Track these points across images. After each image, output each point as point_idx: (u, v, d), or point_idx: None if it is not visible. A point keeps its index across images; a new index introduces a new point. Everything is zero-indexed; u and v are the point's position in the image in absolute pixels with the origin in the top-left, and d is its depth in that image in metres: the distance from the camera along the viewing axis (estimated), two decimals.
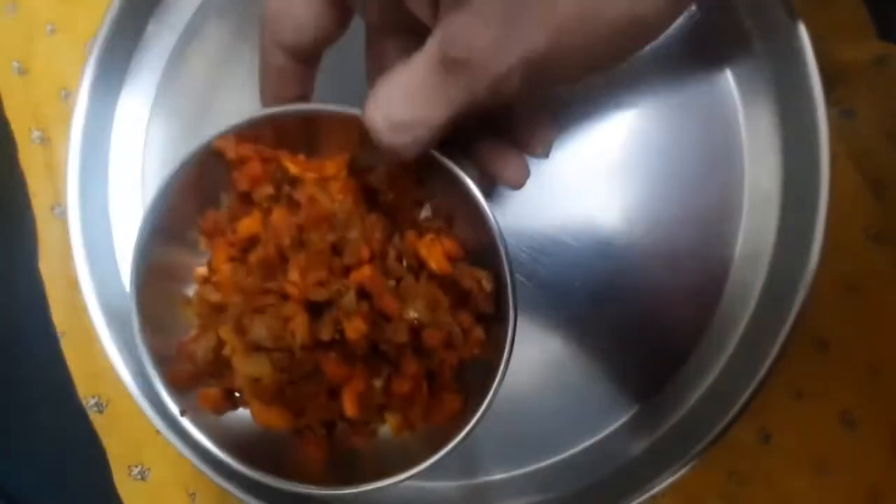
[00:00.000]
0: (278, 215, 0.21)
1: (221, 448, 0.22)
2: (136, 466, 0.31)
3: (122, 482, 0.31)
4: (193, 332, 0.23)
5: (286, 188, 0.22)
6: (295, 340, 0.20)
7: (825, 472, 0.29)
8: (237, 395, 0.23)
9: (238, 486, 0.25)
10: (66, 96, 0.32)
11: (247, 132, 0.21)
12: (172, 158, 0.29)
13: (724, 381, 0.28)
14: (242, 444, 0.22)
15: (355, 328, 0.20)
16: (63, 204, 0.31)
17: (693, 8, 0.28)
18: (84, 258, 0.28)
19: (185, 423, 0.22)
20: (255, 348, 0.21)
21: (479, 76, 0.17)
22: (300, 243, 0.21)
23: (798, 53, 0.26)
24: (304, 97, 0.22)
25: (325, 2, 0.19)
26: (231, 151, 0.21)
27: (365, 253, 0.21)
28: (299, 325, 0.20)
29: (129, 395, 0.27)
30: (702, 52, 0.28)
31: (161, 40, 0.30)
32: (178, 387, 0.22)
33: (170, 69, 0.30)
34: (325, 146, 0.22)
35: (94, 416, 0.31)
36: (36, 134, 0.32)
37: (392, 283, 0.21)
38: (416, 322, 0.21)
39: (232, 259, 0.22)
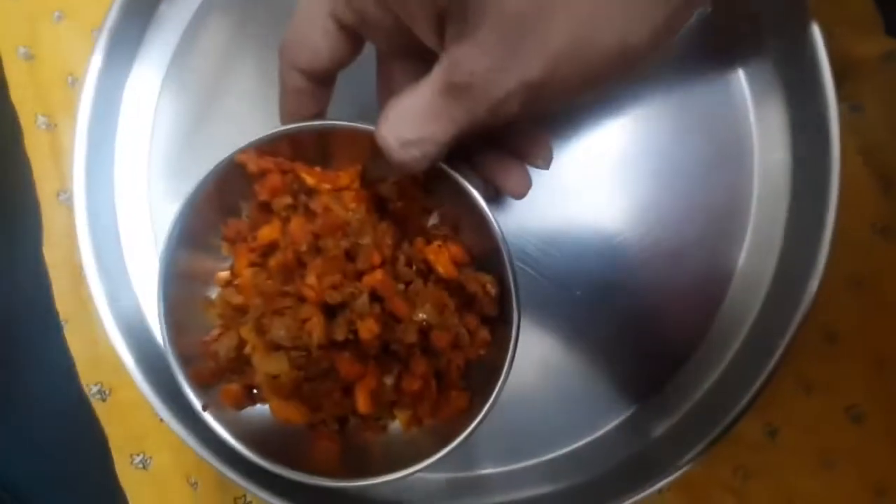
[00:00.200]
0: (296, 223, 0.23)
1: (240, 442, 0.23)
2: (138, 455, 0.31)
3: (124, 471, 0.31)
4: (216, 332, 0.24)
5: (303, 198, 0.24)
6: (311, 340, 0.21)
7: (831, 466, 0.29)
8: (256, 392, 0.24)
9: (240, 474, 0.25)
10: (73, 82, 0.32)
11: (266, 147, 0.23)
12: (180, 146, 0.30)
13: (730, 375, 0.28)
14: (259, 439, 0.23)
15: (368, 329, 0.21)
16: (69, 190, 0.31)
17: (707, 9, 0.28)
18: (89, 245, 0.28)
19: (208, 417, 0.23)
20: (275, 347, 0.22)
21: (480, 100, 0.18)
22: (316, 249, 0.22)
23: (810, 49, 0.26)
24: (320, 114, 0.23)
25: (339, 31, 0.20)
26: (252, 165, 0.23)
27: (376, 258, 0.22)
28: (316, 326, 0.21)
29: (131, 384, 0.27)
30: (712, 48, 0.28)
31: (169, 27, 0.30)
32: (201, 383, 0.23)
33: (177, 57, 0.30)
34: (338, 159, 0.24)
35: (96, 403, 0.31)
36: (42, 120, 0.32)
37: (402, 286, 0.23)
38: (424, 323, 0.22)
39: (253, 264, 0.24)
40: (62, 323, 0.31)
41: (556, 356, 0.28)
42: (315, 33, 0.20)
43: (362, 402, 0.23)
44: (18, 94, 0.31)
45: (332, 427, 0.24)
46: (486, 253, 0.23)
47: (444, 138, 0.19)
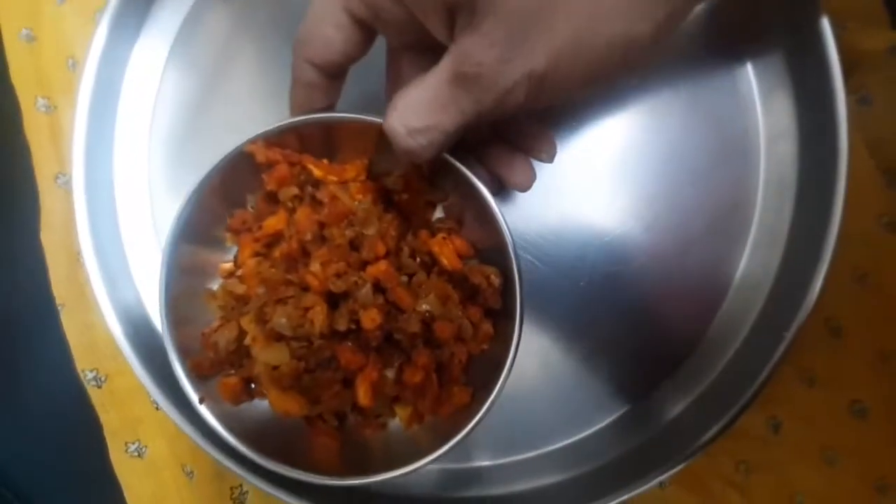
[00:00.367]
0: (302, 213, 0.23)
1: (237, 438, 0.23)
2: (133, 443, 0.30)
3: (119, 459, 0.30)
4: (216, 323, 0.24)
5: (309, 189, 0.24)
6: (314, 329, 0.21)
7: (834, 461, 0.28)
8: (254, 386, 0.24)
9: (236, 464, 0.25)
10: (74, 65, 0.31)
11: (275, 138, 0.23)
12: (181, 130, 0.30)
13: (734, 369, 0.27)
14: (256, 435, 0.23)
15: (371, 318, 0.22)
16: (67, 174, 0.31)
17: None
18: (87, 229, 0.27)
19: (204, 412, 0.23)
20: (276, 337, 0.22)
21: (487, 89, 0.18)
22: (321, 239, 0.23)
23: (818, 42, 0.25)
24: (330, 108, 0.23)
25: (352, 24, 0.21)
26: (261, 155, 0.23)
27: (381, 249, 0.22)
28: (318, 314, 0.22)
29: (128, 370, 0.26)
30: (719, 41, 0.28)
31: (171, 10, 0.30)
32: (199, 375, 0.23)
33: (179, 40, 0.30)
34: (344, 152, 0.24)
35: (92, 390, 0.30)
36: (41, 102, 0.31)
37: (405, 278, 0.23)
38: (427, 314, 0.22)
39: (257, 254, 0.24)
40: (59, 308, 0.31)
41: (557, 347, 0.28)
42: (328, 27, 0.21)
43: (363, 395, 0.22)
44: (19, 76, 0.31)
45: (332, 423, 0.24)
46: (491, 246, 0.23)
47: (450, 127, 0.19)
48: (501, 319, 0.23)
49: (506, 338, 0.22)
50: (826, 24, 0.25)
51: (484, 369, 0.23)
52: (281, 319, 0.22)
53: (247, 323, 0.23)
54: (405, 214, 0.24)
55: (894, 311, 0.28)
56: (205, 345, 0.23)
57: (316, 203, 0.23)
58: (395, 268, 0.23)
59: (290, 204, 0.24)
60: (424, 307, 0.22)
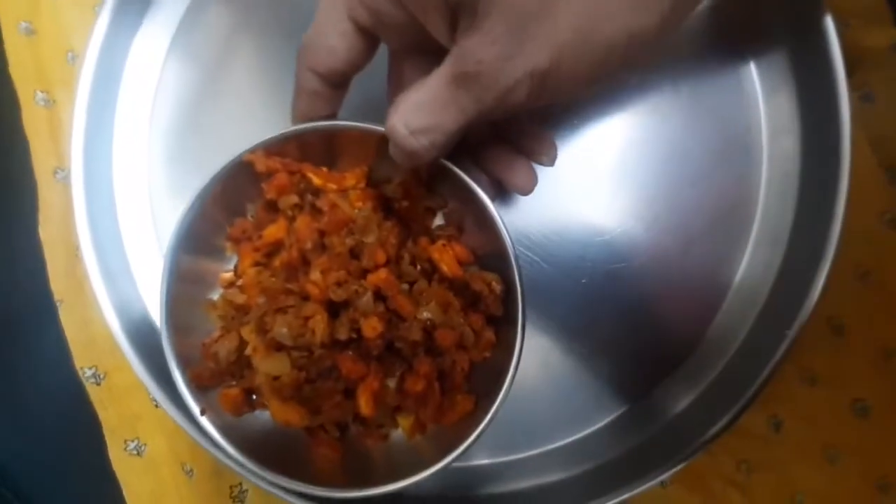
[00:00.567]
0: (302, 221, 0.23)
1: (238, 449, 0.23)
2: (132, 441, 0.30)
3: (117, 457, 0.30)
4: (216, 334, 0.24)
5: (309, 198, 0.24)
6: (314, 338, 0.21)
7: (835, 460, 0.28)
8: (255, 397, 0.24)
9: (236, 462, 0.25)
10: (73, 58, 0.31)
11: (274, 147, 0.23)
12: (180, 125, 0.29)
13: (735, 367, 0.27)
14: (257, 446, 0.23)
15: (372, 327, 0.21)
16: (66, 168, 0.30)
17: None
18: (86, 224, 0.27)
19: (205, 423, 0.23)
20: (276, 347, 0.22)
21: (488, 88, 0.18)
22: (321, 247, 0.22)
23: (822, 39, 0.25)
24: (331, 117, 0.23)
25: (356, 32, 0.21)
26: (261, 164, 0.23)
27: (381, 257, 0.22)
28: (319, 323, 0.21)
29: (126, 367, 0.26)
30: (722, 38, 0.28)
31: (172, 5, 0.30)
32: (200, 386, 0.23)
33: (179, 34, 0.30)
34: (344, 160, 0.24)
35: (90, 387, 0.30)
36: (40, 96, 0.31)
37: (406, 286, 0.23)
38: (429, 322, 0.22)
39: (257, 263, 0.24)
40: (57, 303, 0.30)
41: (558, 346, 0.28)
42: (332, 35, 0.21)
43: (364, 404, 0.22)
44: (18, 70, 0.31)
45: (333, 434, 0.24)
46: (492, 252, 0.23)
47: (452, 127, 0.19)
48: (503, 326, 0.23)
49: (508, 344, 0.22)
50: (829, 22, 0.25)
51: (486, 376, 0.23)
52: (281, 329, 0.22)
53: (247, 333, 0.23)
54: (405, 221, 0.24)
55: None
56: (205, 355, 0.23)
57: (316, 211, 0.23)
58: (395, 275, 0.22)
59: (289, 212, 0.24)
60: (425, 315, 0.22)
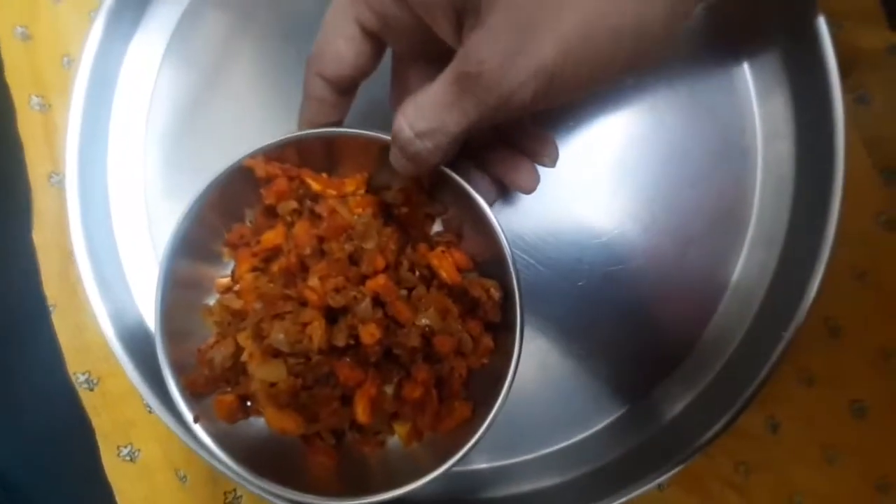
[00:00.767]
0: (301, 227, 0.23)
1: (232, 457, 0.22)
2: (126, 447, 0.30)
3: (111, 463, 0.30)
4: (212, 339, 0.24)
5: (308, 203, 0.24)
6: (312, 344, 0.21)
7: (834, 461, 0.28)
8: (250, 404, 0.23)
9: (230, 469, 0.25)
10: (69, 63, 0.31)
11: (274, 153, 0.23)
12: (176, 130, 0.29)
13: (732, 368, 0.27)
14: (252, 454, 0.23)
15: (370, 333, 0.21)
16: (61, 172, 0.30)
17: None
18: (80, 229, 0.27)
19: (199, 431, 0.22)
20: (273, 353, 0.22)
21: (491, 89, 0.18)
22: (320, 253, 0.22)
23: (815, 40, 0.26)
24: (338, 124, 0.23)
25: (363, 36, 0.21)
26: (260, 170, 0.23)
27: (380, 263, 0.22)
28: (316, 330, 0.21)
29: (120, 372, 0.26)
30: (716, 40, 0.28)
31: (167, 9, 0.30)
32: (194, 393, 0.23)
33: (175, 39, 0.30)
34: (344, 166, 0.24)
35: (84, 393, 0.30)
36: (35, 100, 0.31)
37: (404, 292, 0.23)
38: (427, 329, 0.22)
39: (255, 269, 0.24)
40: (50, 308, 0.30)
41: (556, 348, 0.28)
42: (340, 41, 0.21)
43: (361, 411, 0.22)
44: (13, 74, 0.31)
45: (329, 441, 0.24)
46: (490, 259, 0.23)
47: (454, 129, 0.19)
48: (501, 332, 0.23)
49: (506, 351, 0.22)
50: (822, 24, 0.25)
51: (484, 383, 0.23)
52: (279, 335, 0.21)
53: (243, 339, 0.23)
54: (404, 228, 0.24)
55: (893, 310, 0.28)
56: (200, 361, 0.23)
57: (315, 217, 0.23)
58: (394, 281, 0.22)
59: (288, 218, 0.24)
60: (424, 321, 0.22)
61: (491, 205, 0.23)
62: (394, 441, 0.24)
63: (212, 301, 0.24)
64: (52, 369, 0.30)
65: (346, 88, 0.22)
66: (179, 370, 0.23)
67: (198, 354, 0.23)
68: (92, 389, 0.30)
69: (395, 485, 0.22)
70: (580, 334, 0.28)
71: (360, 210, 0.23)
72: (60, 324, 0.30)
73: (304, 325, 0.22)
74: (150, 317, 0.28)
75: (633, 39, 0.17)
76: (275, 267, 0.23)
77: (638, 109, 0.28)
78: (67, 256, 0.29)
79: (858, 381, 0.28)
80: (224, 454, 0.22)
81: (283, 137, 0.22)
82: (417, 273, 0.23)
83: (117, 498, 0.29)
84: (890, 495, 0.28)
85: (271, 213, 0.24)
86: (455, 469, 0.27)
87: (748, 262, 0.28)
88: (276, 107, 0.29)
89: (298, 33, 0.29)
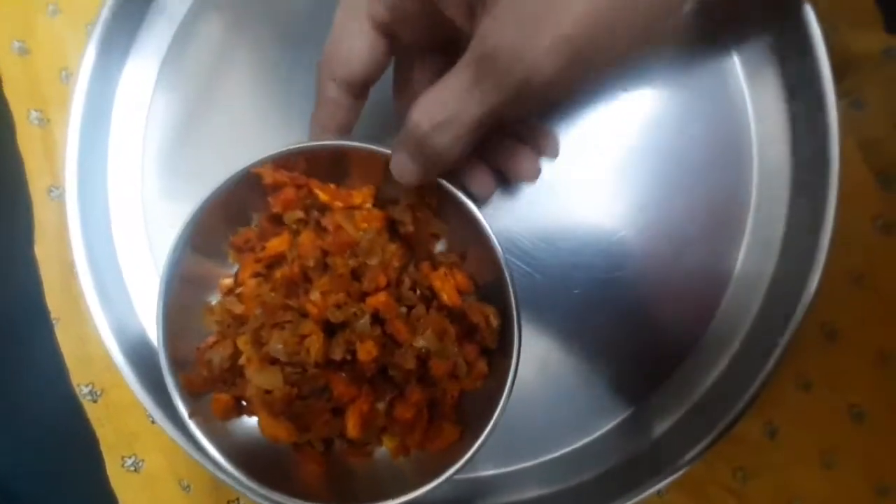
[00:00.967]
0: (306, 237, 0.23)
1: (225, 456, 0.23)
2: (130, 457, 0.30)
3: (115, 473, 0.30)
4: (212, 339, 0.24)
5: (315, 214, 0.24)
6: (309, 357, 0.21)
7: (832, 465, 0.28)
8: (245, 404, 0.24)
9: (233, 477, 0.25)
10: (67, 77, 0.31)
11: (283, 161, 0.23)
12: (174, 142, 0.30)
13: (730, 374, 0.27)
14: (244, 455, 0.23)
15: (367, 351, 0.21)
16: (61, 186, 0.31)
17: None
18: (81, 242, 0.27)
19: (193, 428, 0.23)
20: (270, 361, 0.22)
21: (510, 69, 0.17)
22: (323, 266, 0.22)
23: (809, 44, 0.26)
24: (350, 127, 0.23)
25: (375, 32, 0.21)
26: (269, 177, 0.23)
27: (382, 280, 0.22)
28: (315, 343, 0.21)
29: (123, 384, 0.26)
30: (710, 44, 0.28)
31: (164, 22, 0.30)
32: (191, 391, 0.23)
33: (172, 52, 0.30)
34: (353, 178, 0.24)
35: (87, 405, 0.30)
36: (35, 115, 0.31)
37: (404, 309, 0.23)
38: (423, 351, 0.22)
39: (257, 275, 0.24)
40: (53, 321, 0.30)
41: (554, 356, 0.28)
42: (352, 38, 0.21)
43: (352, 426, 0.22)
44: (11, 89, 0.31)
45: (318, 448, 0.24)
46: (490, 283, 0.23)
47: (475, 115, 0.18)
48: (497, 356, 0.23)
49: (500, 375, 0.22)
50: (816, 26, 0.25)
51: (477, 404, 0.23)
52: (277, 345, 0.22)
53: (242, 343, 0.23)
54: (409, 245, 0.24)
55: (890, 313, 0.28)
56: (199, 360, 0.23)
57: (320, 229, 0.23)
58: (395, 299, 0.22)
59: (294, 227, 0.24)
60: (421, 343, 0.22)
61: (489, 197, 0.22)
62: (383, 453, 0.24)
63: (214, 300, 0.25)
64: (55, 381, 0.30)
65: (359, 90, 0.22)
66: (178, 366, 0.23)
67: (197, 353, 0.24)
68: (95, 401, 0.30)
69: (381, 496, 0.22)
70: (575, 344, 0.28)
71: (365, 225, 0.23)
72: (63, 336, 0.30)
73: (303, 336, 0.22)
74: (151, 328, 0.28)
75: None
76: (277, 274, 0.23)
77: (633, 115, 0.28)
78: (69, 269, 0.29)
79: (856, 386, 0.28)
80: (220, 455, 0.22)
81: (293, 146, 0.23)
82: (418, 292, 0.23)
83: None
84: (889, 499, 0.28)
85: (277, 220, 0.24)
86: (460, 476, 0.28)
87: (745, 266, 0.28)
88: (274, 116, 0.29)
89: (296, 43, 0.29)
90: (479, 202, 0.25)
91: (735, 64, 0.28)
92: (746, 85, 0.28)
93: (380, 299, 0.22)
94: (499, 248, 0.22)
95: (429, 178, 0.21)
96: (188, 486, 0.30)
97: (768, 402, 0.26)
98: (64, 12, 0.31)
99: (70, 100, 0.28)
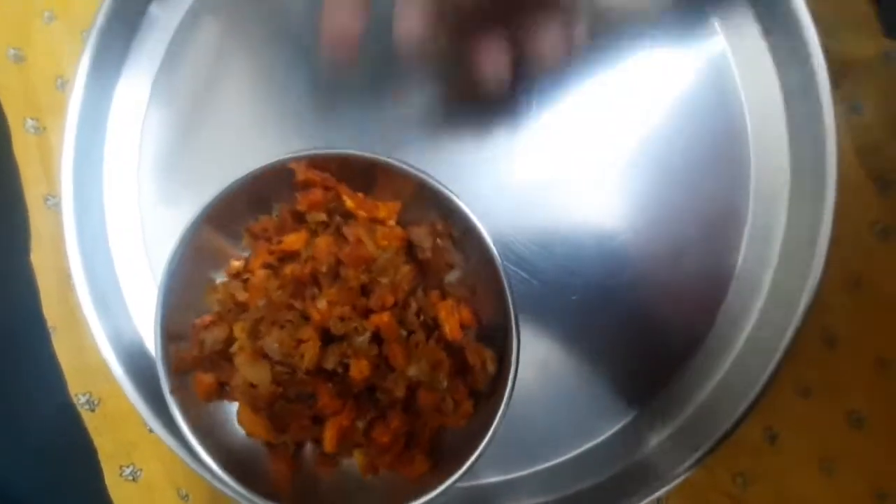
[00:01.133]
0: (323, 242, 0.23)
1: (198, 438, 0.23)
2: (128, 466, 0.30)
3: (113, 482, 0.30)
4: (208, 318, 0.24)
5: (337, 219, 0.24)
6: (302, 362, 0.21)
7: (832, 471, 0.28)
8: (227, 389, 0.24)
9: (230, 488, 0.25)
10: (63, 85, 0.31)
11: (319, 161, 0.23)
12: (170, 150, 0.29)
13: (730, 379, 0.27)
14: (219, 441, 0.23)
15: (360, 369, 0.22)
16: (57, 195, 0.30)
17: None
18: (77, 251, 0.27)
19: (172, 407, 0.23)
20: (262, 355, 0.22)
21: None
22: (335, 274, 0.22)
23: (806, 48, 0.26)
24: (355, 31, 0.23)
25: None
26: (301, 174, 0.23)
27: (389, 300, 0.22)
28: (310, 349, 0.21)
29: (121, 393, 0.26)
30: (707, 47, 0.28)
31: (159, 28, 0.30)
32: (179, 367, 0.23)
33: (168, 58, 0.30)
34: (381, 190, 0.24)
35: (85, 414, 0.30)
36: (30, 122, 0.31)
37: (404, 333, 0.23)
38: (414, 380, 0.22)
39: (268, 266, 0.24)
40: (50, 330, 0.30)
41: (552, 363, 0.28)
42: None
43: (329, 440, 0.22)
44: (7, 97, 0.31)
45: (290, 448, 0.24)
46: (494, 325, 0.23)
47: None
48: (486, 398, 0.24)
49: (485, 417, 0.22)
50: (812, 33, 0.25)
51: (456, 440, 0.23)
52: (273, 343, 0.22)
53: (239, 331, 0.23)
54: (423, 269, 0.24)
55: (889, 319, 0.28)
56: (193, 336, 0.23)
57: (340, 236, 0.23)
58: (397, 321, 0.22)
59: (314, 227, 0.24)
60: (413, 372, 0.22)
61: (501, 81, 0.22)
62: (352, 462, 0.24)
63: (220, 278, 0.24)
64: (53, 391, 0.30)
65: None
66: (172, 338, 0.23)
67: (192, 329, 0.23)
68: (93, 410, 0.30)
69: None
70: (573, 351, 0.28)
71: (385, 242, 0.23)
72: (60, 345, 0.30)
73: (300, 341, 0.22)
74: (149, 336, 0.28)
75: None
76: (287, 269, 0.23)
77: (630, 122, 0.28)
78: (65, 278, 0.29)
79: (855, 392, 0.28)
80: (190, 433, 0.23)
81: (330, 151, 0.23)
82: (422, 318, 0.23)
83: None
84: None
85: (299, 216, 0.24)
86: (463, 484, 0.28)
87: (743, 272, 0.28)
88: (271, 122, 0.29)
89: (295, 48, 0.29)
90: (491, 88, 0.24)
91: (732, 70, 0.28)
92: (743, 91, 0.28)
93: (383, 319, 0.22)
94: (510, 297, 0.22)
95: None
96: (186, 496, 0.30)
97: (768, 408, 0.26)
98: (59, 19, 0.31)
99: (66, 108, 0.28)
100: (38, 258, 0.31)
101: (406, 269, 0.23)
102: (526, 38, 0.22)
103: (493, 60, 0.23)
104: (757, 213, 0.28)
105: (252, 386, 0.22)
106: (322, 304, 0.22)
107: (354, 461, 0.24)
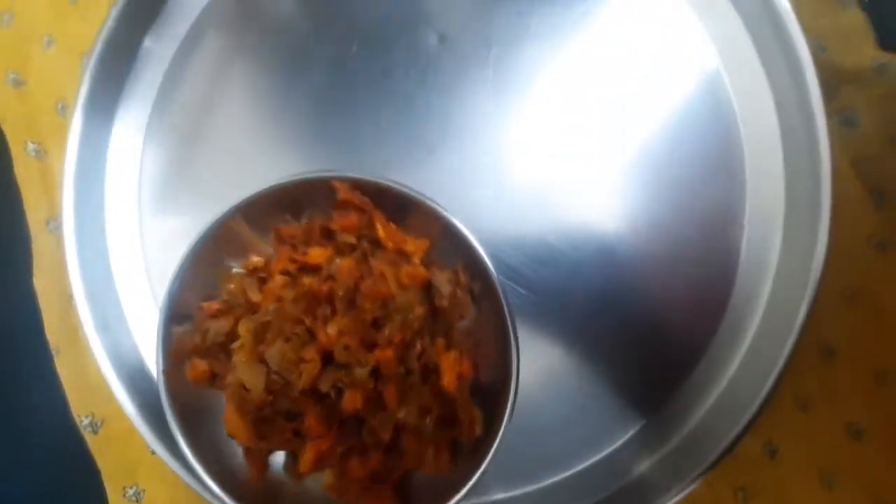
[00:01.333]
0: (347, 265, 0.23)
1: (181, 425, 0.23)
2: (131, 487, 0.30)
3: (117, 503, 0.30)
4: (216, 306, 0.24)
5: (365, 245, 0.24)
6: (299, 379, 0.22)
7: (832, 484, 0.28)
8: (219, 379, 0.24)
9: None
10: (63, 109, 0.31)
11: (361, 185, 0.24)
12: (170, 173, 0.30)
13: (730, 394, 0.27)
14: (199, 429, 0.23)
15: (353, 400, 0.22)
16: (58, 218, 0.31)
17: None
18: (79, 274, 0.28)
19: (161, 385, 0.23)
20: (261, 360, 0.22)
21: None
22: (351, 300, 0.23)
23: (798, 63, 0.26)
24: None
25: None
26: (343, 194, 0.24)
27: (397, 338, 0.22)
28: (309, 370, 0.22)
29: (123, 415, 0.26)
30: (701, 62, 0.29)
31: (158, 53, 0.30)
32: (178, 356, 0.23)
33: (167, 81, 0.30)
34: (413, 225, 0.24)
35: (88, 436, 0.30)
36: (31, 147, 0.31)
37: (403, 370, 0.23)
38: (401, 422, 0.22)
39: (286, 273, 0.24)
40: (53, 353, 0.30)
41: (553, 378, 0.28)
42: None
43: (305, 462, 0.23)
44: (8, 121, 0.31)
45: (264, 455, 0.24)
46: (493, 384, 0.23)
47: None
48: (468, 451, 0.24)
49: (463, 473, 0.23)
50: (804, 47, 0.25)
51: (432, 486, 0.24)
52: (274, 354, 0.22)
53: (243, 329, 0.23)
54: (435, 315, 0.24)
55: (887, 331, 0.28)
56: (198, 320, 0.24)
57: (364, 262, 0.23)
58: (398, 359, 0.23)
59: (341, 246, 0.24)
60: (403, 414, 0.22)
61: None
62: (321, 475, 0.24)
63: (236, 268, 0.25)
64: (56, 412, 0.30)
65: None
66: (176, 318, 0.23)
67: (198, 311, 0.24)
68: (96, 432, 0.30)
69: None
70: (573, 365, 0.28)
71: (407, 282, 0.23)
72: (63, 367, 0.30)
73: (301, 359, 0.22)
74: (150, 358, 0.28)
75: None
76: (306, 282, 0.23)
77: (627, 133, 0.28)
78: (67, 301, 0.30)
79: (854, 403, 0.28)
80: (173, 420, 0.23)
81: (374, 177, 0.23)
82: (423, 360, 0.23)
83: None
84: None
85: (329, 232, 0.24)
86: (470, 502, 0.28)
87: (741, 286, 0.28)
88: (269, 144, 0.29)
89: (295, 70, 0.29)
90: None
91: (726, 83, 0.28)
92: (737, 105, 0.28)
93: (387, 354, 0.22)
94: (515, 354, 0.23)
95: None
96: None
97: (767, 422, 0.26)
98: (59, 43, 0.32)
99: (67, 131, 0.28)
100: (41, 281, 0.31)
101: (420, 311, 0.23)
102: None
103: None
104: (753, 229, 0.28)
105: (244, 388, 0.22)
106: (332, 329, 0.22)
107: (323, 474, 0.24)
